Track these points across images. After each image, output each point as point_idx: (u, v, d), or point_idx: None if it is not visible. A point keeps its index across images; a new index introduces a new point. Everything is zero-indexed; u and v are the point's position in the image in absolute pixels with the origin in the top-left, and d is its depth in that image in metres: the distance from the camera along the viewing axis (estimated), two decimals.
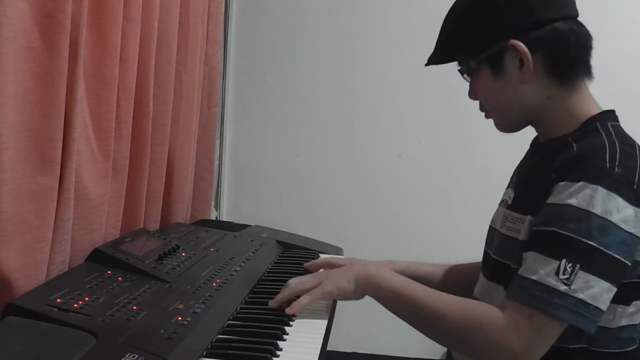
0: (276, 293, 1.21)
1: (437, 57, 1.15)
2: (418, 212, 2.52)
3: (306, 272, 1.44)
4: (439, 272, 1.40)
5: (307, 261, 1.52)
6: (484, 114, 1.18)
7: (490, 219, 1.26)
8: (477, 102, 1.18)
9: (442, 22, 1.16)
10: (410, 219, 2.52)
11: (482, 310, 1.01)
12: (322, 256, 1.61)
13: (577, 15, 1.10)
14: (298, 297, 1.15)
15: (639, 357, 1.05)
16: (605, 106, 1.12)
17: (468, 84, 1.17)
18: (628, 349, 1.03)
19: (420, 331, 1.08)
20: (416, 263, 1.42)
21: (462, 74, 1.16)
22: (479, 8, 1.09)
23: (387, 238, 2.51)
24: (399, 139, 2.51)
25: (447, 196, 2.50)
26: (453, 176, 2.50)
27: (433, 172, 2.51)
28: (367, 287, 1.12)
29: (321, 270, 1.37)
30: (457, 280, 1.34)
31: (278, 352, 0.98)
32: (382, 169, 2.53)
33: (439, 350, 2.20)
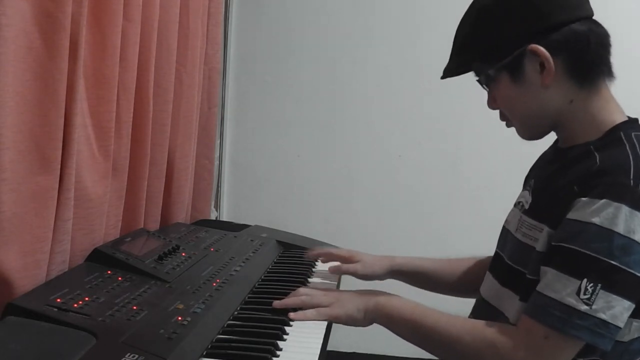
0: (276, 293, 1.22)
1: (454, 69, 1.12)
2: (418, 212, 2.52)
3: (308, 274, 1.44)
4: (448, 267, 1.39)
5: (307, 261, 1.53)
6: (505, 122, 1.15)
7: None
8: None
9: (454, 32, 1.13)
10: (410, 219, 2.52)
11: (495, 332, 1.01)
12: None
13: (592, 14, 1.07)
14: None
15: None
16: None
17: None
18: None
19: (434, 354, 1.09)
20: (416, 258, 1.42)
21: (481, 84, 1.13)
22: (494, 14, 1.07)
23: (387, 238, 2.51)
24: (399, 139, 2.51)
25: (447, 196, 2.50)
26: (453, 176, 2.49)
27: (433, 172, 2.51)
28: (376, 317, 1.12)
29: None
30: (475, 276, 1.32)
31: (278, 352, 0.98)
32: (382, 169, 2.53)
33: None
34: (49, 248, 1.09)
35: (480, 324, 1.05)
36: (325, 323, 1.12)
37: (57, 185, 1.09)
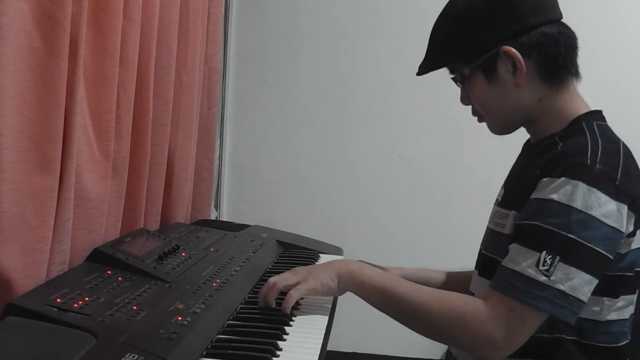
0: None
1: (428, 65, 1.17)
2: (417, 212, 2.52)
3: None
4: (455, 280, 1.41)
5: (307, 261, 1.53)
6: (477, 118, 1.21)
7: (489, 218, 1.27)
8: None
9: (430, 31, 1.18)
10: (409, 219, 2.53)
11: (464, 303, 1.03)
12: (322, 257, 1.61)
13: (561, 17, 1.12)
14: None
15: (631, 351, 1.07)
16: (604, 104, 1.13)
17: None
18: (620, 344, 1.05)
19: (404, 324, 1.10)
20: (426, 270, 1.42)
21: (455, 82, 1.18)
22: (469, 17, 1.11)
23: (387, 238, 2.51)
24: (398, 139, 2.52)
25: (446, 196, 2.50)
26: (452, 176, 2.50)
27: (433, 172, 2.51)
28: (349, 284, 1.13)
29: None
30: (455, 288, 1.34)
31: (278, 352, 0.98)
32: (382, 169, 2.53)
33: (439, 350, 2.20)
34: (49, 248, 1.09)
35: (450, 295, 1.07)
36: (326, 322, 1.13)
37: (57, 185, 1.09)
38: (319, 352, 1.01)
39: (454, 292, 1.08)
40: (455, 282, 1.38)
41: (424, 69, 1.18)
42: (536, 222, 1.00)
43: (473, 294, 1.19)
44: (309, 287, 1.12)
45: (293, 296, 1.12)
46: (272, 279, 1.16)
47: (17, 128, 0.99)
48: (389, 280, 1.11)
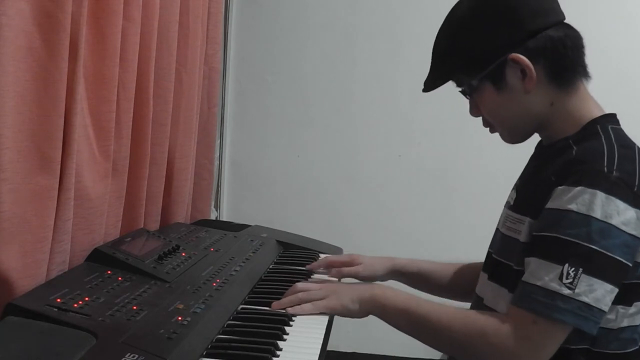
0: (276, 293, 1.22)
1: (434, 81, 1.14)
2: (418, 212, 2.52)
3: (309, 274, 1.44)
4: (446, 271, 1.41)
5: (307, 261, 1.53)
6: (488, 129, 1.18)
7: (490, 218, 1.27)
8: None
9: (432, 45, 1.15)
10: (410, 219, 2.53)
11: (486, 320, 1.02)
12: (322, 256, 1.61)
13: (564, 18, 1.11)
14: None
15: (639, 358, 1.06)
16: (608, 104, 1.12)
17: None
18: (629, 350, 1.04)
19: (428, 344, 1.10)
20: (416, 260, 1.43)
21: (464, 95, 1.15)
22: (472, 27, 1.09)
23: (387, 238, 2.51)
24: (399, 139, 2.52)
25: (447, 196, 2.50)
26: (453, 176, 2.50)
27: (433, 172, 2.51)
28: (371, 308, 1.13)
29: (326, 276, 1.40)
30: (467, 279, 1.34)
31: (278, 352, 0.98)
32: (382, 169, 2.53)
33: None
34: (49, 248, 1.09)
35: (471, 312, 1.08)
36: (326, 322, 1.13)
37: (57, 185, 1.09)
38: (319, 352, 1.01)
39: (477, 311, 1.07)
40: (463, 276, 1.38)
41: (429, 84, 1.15)
42: (555, 234, 0.98)
43: (479, 296, 1.19)
44: (329, 305, 1.13)
45: (306, 309, 1.13)
46: (299, 286, 1.18)
47: (17, 128, 0.99)
48: (412, 302, 1.10)
